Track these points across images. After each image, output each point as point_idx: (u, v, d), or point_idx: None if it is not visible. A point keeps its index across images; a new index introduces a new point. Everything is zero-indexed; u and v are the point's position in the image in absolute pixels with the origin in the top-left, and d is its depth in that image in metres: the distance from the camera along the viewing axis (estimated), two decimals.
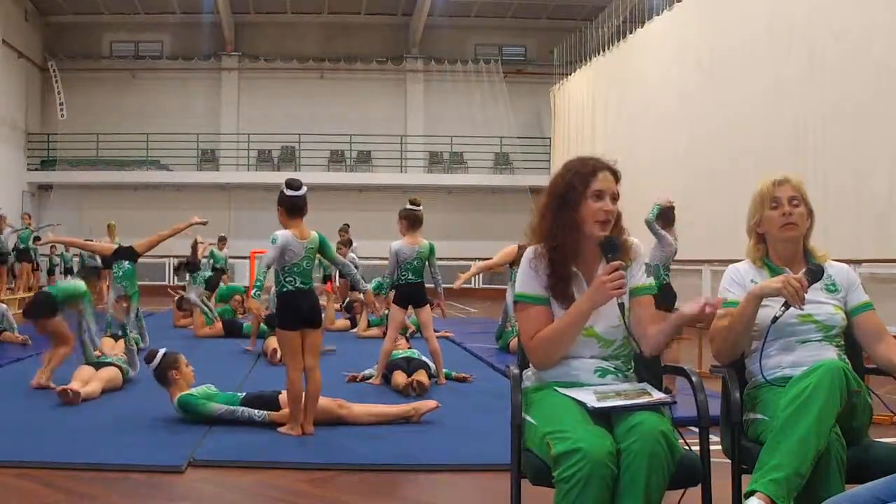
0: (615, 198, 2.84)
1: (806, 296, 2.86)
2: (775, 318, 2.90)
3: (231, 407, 5.62)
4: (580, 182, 2.81)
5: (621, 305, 2.77)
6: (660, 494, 2.54)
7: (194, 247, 12.85)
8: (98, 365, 7.05)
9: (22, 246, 16.40)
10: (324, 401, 5.62)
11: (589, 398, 2.69)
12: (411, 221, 7.53)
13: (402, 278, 7.55)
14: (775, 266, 3.09)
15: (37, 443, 5.03)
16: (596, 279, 2.76)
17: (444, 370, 7.65)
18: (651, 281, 2.97)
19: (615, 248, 2.78)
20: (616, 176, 2.87)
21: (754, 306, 2.92)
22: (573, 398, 2.72)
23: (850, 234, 10.22)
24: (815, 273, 2.93)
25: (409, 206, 7.60)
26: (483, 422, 5.82)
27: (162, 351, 5.97)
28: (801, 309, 2.89)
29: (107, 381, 6.82)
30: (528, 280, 2.88)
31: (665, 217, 7.46)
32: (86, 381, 6.63)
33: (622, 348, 2.88)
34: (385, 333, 10.14)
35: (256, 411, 5.58)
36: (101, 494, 4.12)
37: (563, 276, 2.84)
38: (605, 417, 2.67)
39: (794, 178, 3.10)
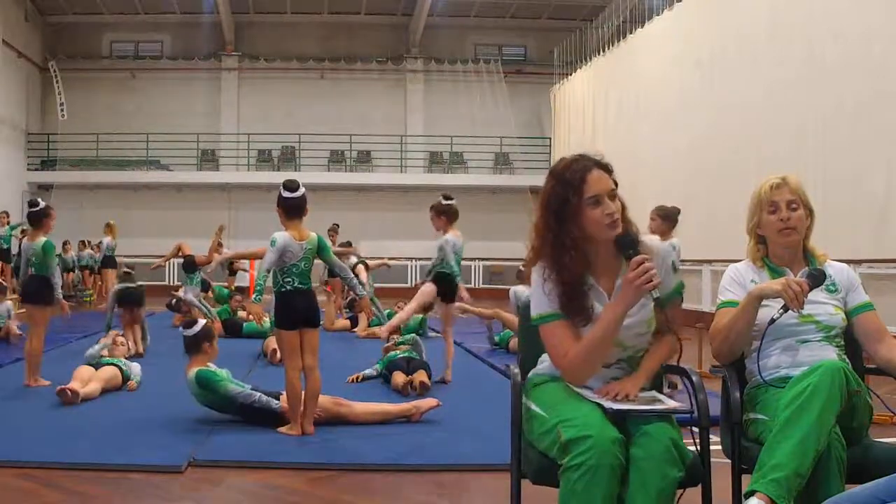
0: (613, 195, 2.70)
1: (805, 299, 2.86)
2: (773, 320, 2.89)
3: (248, 391, 5.62)
4: (573, 193, 2.66)
5: (657, 300, 2.65)
6: (669, 501, 2.53)
7: (213, 247, 12.77)
8: (98, 365, 7.06)
9: (6, 246, 16.36)
10: (322, 399, 5.62)
11: (594, 397, 2.68)
12: (453, 216, 7.60)
13: (448, 268, 7.62)
14: (775, 266, 3.09)
15: (37, 443, 5.04)
16: (623, 280, 2.65)
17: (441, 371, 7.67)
18: (677, 282, 2.91)
19: (631, 243, 2.67)
20: (607, 169, 2.72)
21: (754, 307, 2.92)
22: (584, 397, 2.70)
23: (849, 233, 10.22)
24: (817, 278, 2.93)
25: (447, 202, 7.63)
26: (483, 422, 5.81)
27: (202, 321, 6.10)
28: (800, 312, 2.89)
29: (106, 380, 6.82)
30: (542, 300, 2.75)
31: (670, 219, 7.47)
32: (85, 380, 6.63)
33: (640, 353, 2.83)
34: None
35: (274, 400, 5.58)
36: (101, 494, 4.12)
37: (577, 293, 2.71)
38: (619, 417, 2.63)
39: (793, 181, 3.08)
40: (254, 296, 5.59)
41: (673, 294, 2.88)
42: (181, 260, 12.42)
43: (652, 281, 2.60)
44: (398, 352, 7.68)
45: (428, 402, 5.89)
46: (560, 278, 2.71)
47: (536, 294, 2.77)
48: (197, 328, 5.95)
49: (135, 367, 7.37)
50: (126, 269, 11.22)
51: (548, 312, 2.74)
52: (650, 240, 2.83)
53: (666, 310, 2.76)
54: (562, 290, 2.71)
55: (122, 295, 9.57)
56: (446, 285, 7.67)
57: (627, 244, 2.66)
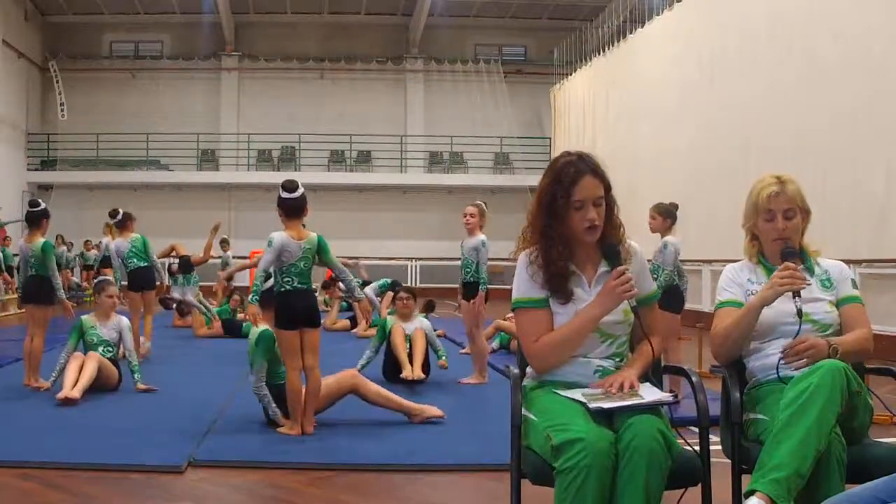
0: (599, 202, 2.83)
1: (806, 282, 2.90)
2: (800, 312, 2.90)
3: (263, 384, 5.62)
4: (562, 193, 2.82)
5: (634, 309, 2.84)
6: (659, 491, 2.55)
7: (208, 246, 12.72)
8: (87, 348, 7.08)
9: None
10: (330, 379, 5.69)
11: (577, 396, 2.70)
12: (486, 222, 7.61)
13: (471, 275, 7.52)
14: (770, 264, 3.10)
15: (37, 443, 5.04)
16: (605, 285, 2.81)
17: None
18: (654, 286, 3.04)
19: (616, 253, 2.85)
20: (600, 177, 2.84)
21: (754, 316, 2.96)
22: (568, 398, 2.73)
23: (849, 233, 10.22)
24: (793, 253, 2.99)
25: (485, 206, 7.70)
26: (483, 422, 5.82)
27: None
28: (809, 284, 2.93)
29: (97, 361, 6.82)
30: (524, 284, 2.90)
31: (668, 215, 7.46)
32: (78, 370, 6.65)
33: (624, 345, 2.90)
34: None
35: (278, 411, 5.56)
36: (101, 494, 4.12)
37: (561, 274, 2.86)
38: (605, 415, 2.68)
39: (790, 188, 3.07)
40: (251, 296, 5.59)
41: (648, 299, 2.95)
42: (175, 261, 12.36)
43: (630, 291, 2.78)
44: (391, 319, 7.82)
45: (433, 411, 5.86)
46: (545, 265, 2.87)
47: (520, 278, 2.92)
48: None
49: (123, 321, 7.32)
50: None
51: (529, 297, 2.89)
52: (632, 245, 2.96)
53: (643, 314, 2.90)
54: (545, 276, 2.87)
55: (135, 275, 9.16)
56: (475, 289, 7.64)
57: (612, 254, 2.87)
